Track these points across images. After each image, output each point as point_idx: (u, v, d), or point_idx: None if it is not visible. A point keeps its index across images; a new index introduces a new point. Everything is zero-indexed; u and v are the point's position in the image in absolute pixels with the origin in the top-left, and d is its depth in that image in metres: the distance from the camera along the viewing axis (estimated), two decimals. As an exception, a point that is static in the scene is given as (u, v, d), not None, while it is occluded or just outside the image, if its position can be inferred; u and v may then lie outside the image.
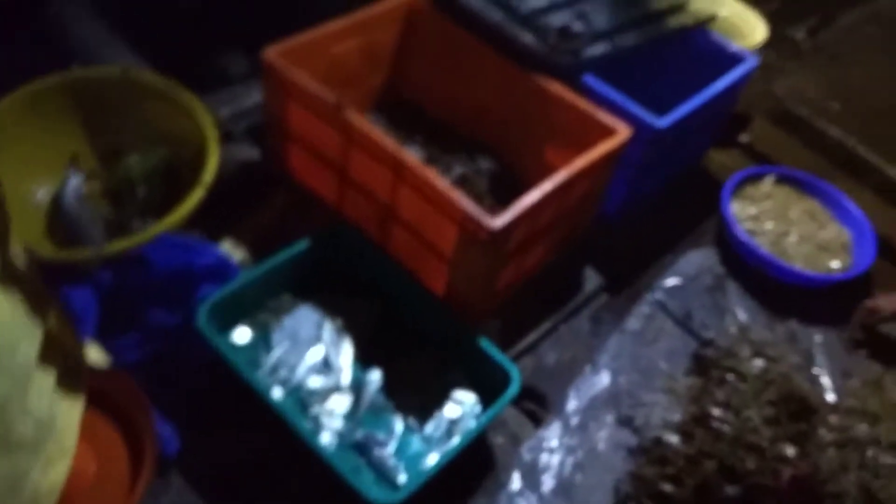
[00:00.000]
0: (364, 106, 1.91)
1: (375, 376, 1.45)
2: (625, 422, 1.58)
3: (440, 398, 1.46)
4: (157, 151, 1.66)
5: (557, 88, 1.68)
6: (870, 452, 1.60)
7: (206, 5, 1.96)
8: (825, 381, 1.71)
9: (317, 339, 1.48)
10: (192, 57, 1.92)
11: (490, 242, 1.38)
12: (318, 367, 1.44)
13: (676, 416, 1.59)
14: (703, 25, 1.90)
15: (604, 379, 1.64)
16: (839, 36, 2.73)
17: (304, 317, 1.50)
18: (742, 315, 1.80)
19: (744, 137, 2.21)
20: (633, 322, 1.75)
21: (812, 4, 2.97)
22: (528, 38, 1.70)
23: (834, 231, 1.95)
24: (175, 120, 1.65)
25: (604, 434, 1.55)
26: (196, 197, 1.48)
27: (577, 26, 1.76)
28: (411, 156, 1.45)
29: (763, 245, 1.86)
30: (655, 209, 1.94)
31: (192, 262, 1.38)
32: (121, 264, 1.39)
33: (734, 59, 1.87)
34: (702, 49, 1.91)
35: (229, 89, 1.93)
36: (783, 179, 2.03)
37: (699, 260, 1.89)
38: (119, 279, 1.38)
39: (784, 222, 1.93)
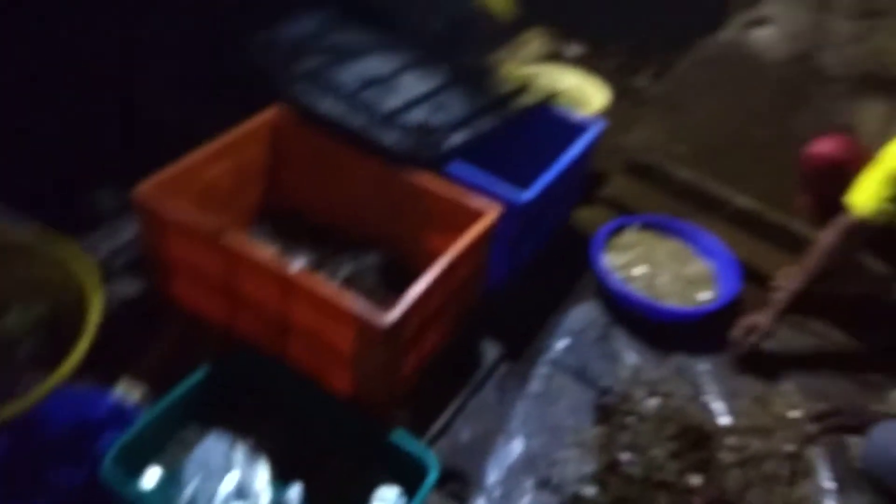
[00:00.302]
0: (244, 221, 1.95)
1: (294, 493, 1.45)
2: (543, 483, 1.64)
3: (363, 500, 1.47)
4: (38, 304, 1.63)
5: (426, 180, 1.78)
6: (768, 465, 1.72)
7: (70, 148, 1.96)
8: (717, 405, 1.84)
9: (230, 465, 1.47)
10: (63, 199, 1.92)
11: (386, 338, 1.44)
12: (234, 494, 1.43)
13: (590, 468, 1.66)
14: (548, 102, 2.06)
15: (517, 446, 1.70)
16: (676, 83, 2.99)
17: (214, 445, 1.50)
18: (632, 358, 1.92)
19: (605, 192, 2.39)
20: (535, 385, 1.83)
21: (651, 56, 3.26)
22: (391, 137, 1.81)
23: (699, 265, 2.12)
24: (52, 269, 1.62)
25: (526, 500, 1.61)
26: (83, 346, 1.45)
27: (436, 119, 1.89)
28: (297, 267, 1.49)
29: (637, 290, 2.01)
30: (536, 273, 2.06)
31: (88, 413, 1.36)
32: (15, 428, 1.35)
33: (582, 126, 2.05)
34: (553, 121, 2.08)
35: (105, 226, 1.93)
36: (646, 225, 2.20)
37: (584, 314, 2.02)
38: (15, 444, 1.35)
39: (653, 265, 2.09)
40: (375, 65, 2.03)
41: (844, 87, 2.83)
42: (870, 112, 2.71)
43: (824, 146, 1.98)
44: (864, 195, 1.76)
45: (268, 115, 1.89)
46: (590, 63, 3.10)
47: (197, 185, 1.73)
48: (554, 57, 3.10)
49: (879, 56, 2.97)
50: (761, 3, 3.25)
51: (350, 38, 2.10)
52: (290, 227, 1.96)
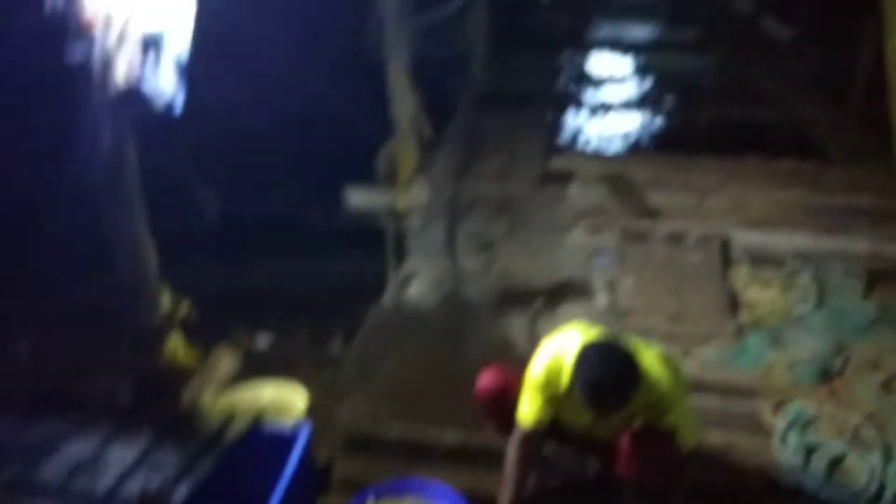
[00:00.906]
0: None
1: None
2: None
3: None
4: None
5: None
6: None
7: None
8: None
9: None
10: None
11: None
12: None
13: None
14: (256, 423, 2.25)
15: None
16: (362, 347, 3.34)
17: None
18: None
19: (336, 476, 2.55)
20: None
21: (334, 326, 3.63)
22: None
23: (434, 511, 2.36)
24: None
25: None
26: None
27: (154, 481, 1.96)
28: None
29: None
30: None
31: None
32: None
33: (294, 434, 2.25)
34: (266, 439, 2.25)
35: None
36: (380, 494, 2.39)
37: None
38: None
39: (398, 529, 2.28)
40: (76, 449, 2.05)
41: (491, 311, 3.45)
42: (515, 325, 3.33)
43: (484, 383, 2.40)
44: (525, 410, 2.18)
45: (-30, 547, 1.79)
46: (282, 345, 3.37)
47: None
48: (248, 358, 3.27)
49: (505, 277, 3.69)
50: (405, 264, 3.89)
51: (41, 433, 2.10)
52: None
